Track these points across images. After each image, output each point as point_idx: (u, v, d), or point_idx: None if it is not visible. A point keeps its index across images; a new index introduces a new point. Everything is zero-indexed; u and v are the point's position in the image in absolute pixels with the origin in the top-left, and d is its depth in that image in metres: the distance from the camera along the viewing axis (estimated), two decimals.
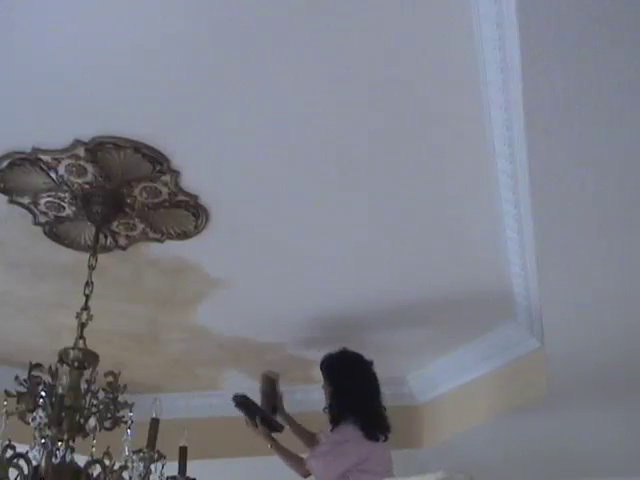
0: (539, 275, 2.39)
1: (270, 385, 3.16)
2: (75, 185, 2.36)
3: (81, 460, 2.09)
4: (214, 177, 2.34)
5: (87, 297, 2.36)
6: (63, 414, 2.08)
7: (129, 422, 2.21)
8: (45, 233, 2.62)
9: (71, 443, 2.08)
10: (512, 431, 3.51)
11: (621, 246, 2.21)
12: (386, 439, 2.90)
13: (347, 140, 2.16)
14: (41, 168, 2.28)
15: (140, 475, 2.17)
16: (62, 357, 2.24)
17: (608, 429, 3.51)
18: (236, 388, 3.75)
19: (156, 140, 2.18)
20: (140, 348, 3.52)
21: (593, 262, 2.29)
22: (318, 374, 3.46)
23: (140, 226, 2.57)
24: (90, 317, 2.31)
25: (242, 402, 3.05)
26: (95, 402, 2.19)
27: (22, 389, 2.14)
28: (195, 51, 1.86)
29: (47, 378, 2.15)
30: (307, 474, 2.92)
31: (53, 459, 2.02)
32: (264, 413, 3.05)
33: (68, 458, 2.04)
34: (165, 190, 2.38)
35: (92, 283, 2.39)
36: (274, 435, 3.03)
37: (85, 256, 2.50)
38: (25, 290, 3.01)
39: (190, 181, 2.35)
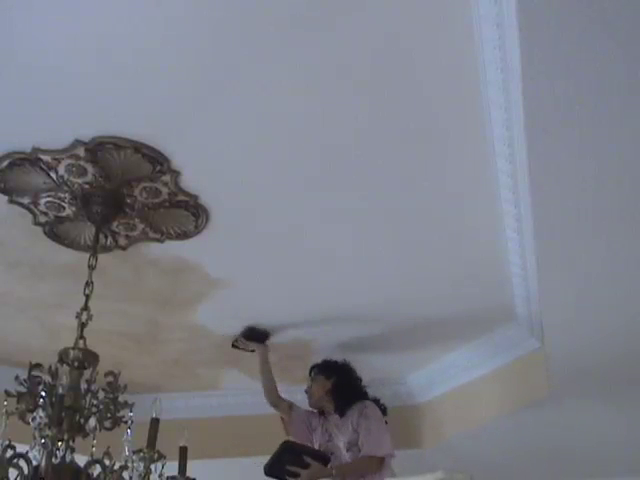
0: (539, 275, 2.39)
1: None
2: (75, 185, 2.36)
3: (81, 460, 2.08)
4: (214, 177, 2.34)
5: (87, 297, 2.35)
6: (63, 414, 2.07)
7: (129, 422, 2.20)
8: (45, 233, 2.62)
9: (71, 443, 2.07)
10: (512, 431, 3.51)
11: (621, 246, 2.21)
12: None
13: (347, 140, 2.16)
14: (41, 168, 2.28)
15: (140, 475, 2.17)
16: (62, 357, 2.23)
17: (609, 429, 3.51)
18: (236, 388, 3.77)
19: (156, 140, 2.18)
20: (140, 348, 3.52)
21: (593, 262, 2.29)
22: None
23: (140, 226, 2.57)
24: (90, 317, 2.30)
25: (280, 455, 2.79)
26: (95, 402, 2.18)
27: (22, 389, 2.13)
28: (195, 52, 1.86)
29: (47, 378, 2.14)
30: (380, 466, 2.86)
31: (53, 459, 2.01)
32: (307, 449, 2.86)
33: (68, 458, 2.03)
34: (165, 190, 2.37)
35: (92, 283, 2.38)
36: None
37: (85, 256, 2.49)
38: (25, 290, 3.01)
39: (190, 181, 2.35)
